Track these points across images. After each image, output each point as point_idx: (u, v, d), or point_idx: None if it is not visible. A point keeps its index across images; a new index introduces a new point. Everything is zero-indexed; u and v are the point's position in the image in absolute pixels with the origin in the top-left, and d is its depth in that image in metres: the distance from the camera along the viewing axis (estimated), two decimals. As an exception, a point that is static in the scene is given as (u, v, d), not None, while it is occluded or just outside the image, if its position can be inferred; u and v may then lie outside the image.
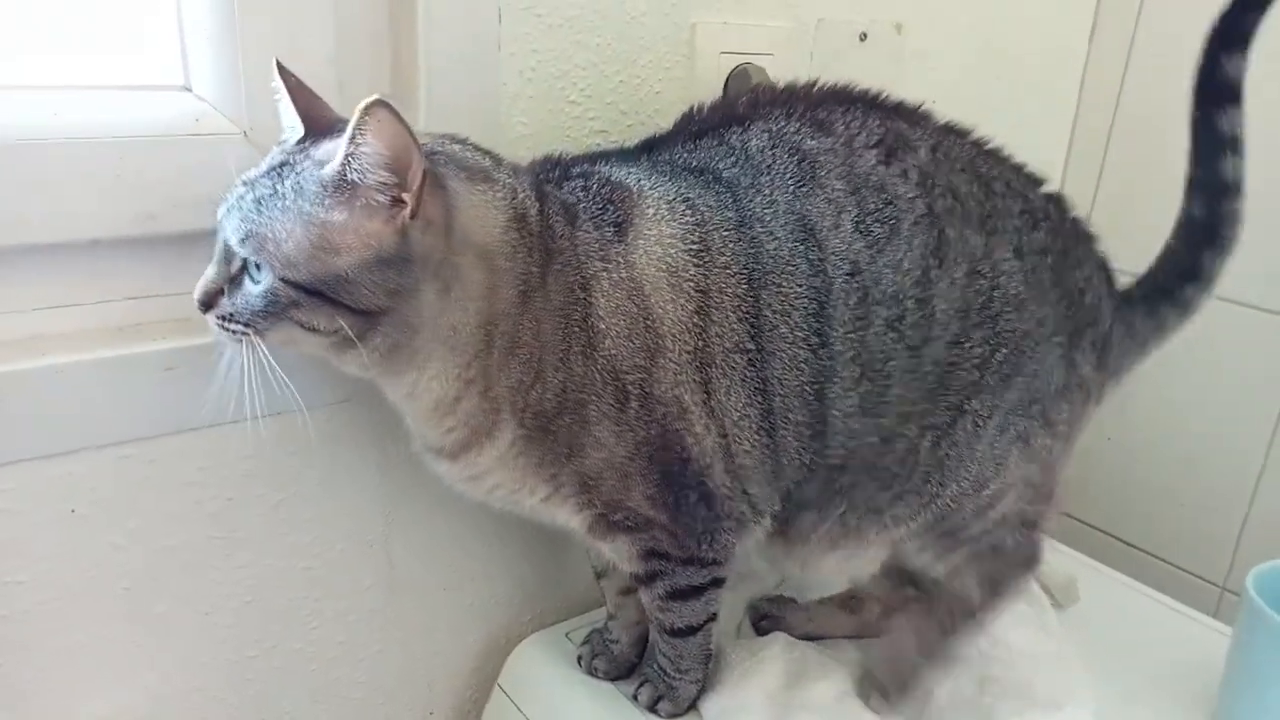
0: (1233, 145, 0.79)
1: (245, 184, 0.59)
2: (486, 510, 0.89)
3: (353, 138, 0.55)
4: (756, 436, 0.69)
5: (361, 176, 0.56)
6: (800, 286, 0.67)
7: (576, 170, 0.70)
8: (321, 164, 0.58)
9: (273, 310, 0.58)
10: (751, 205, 0.68)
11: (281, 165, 0.59)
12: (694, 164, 0.69)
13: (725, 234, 0.67)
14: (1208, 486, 1.17)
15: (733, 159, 0.69)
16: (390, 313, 0.59)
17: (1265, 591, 0.77)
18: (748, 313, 0.67)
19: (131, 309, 0.71)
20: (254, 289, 0.58)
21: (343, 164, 0.56)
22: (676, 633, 0.77)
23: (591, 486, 0.69)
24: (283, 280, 0.57)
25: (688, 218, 0.67)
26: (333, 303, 0.57)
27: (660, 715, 0.80)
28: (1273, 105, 1.07)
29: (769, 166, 0.68)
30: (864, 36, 0.99)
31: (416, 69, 0.74)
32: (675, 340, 0.66)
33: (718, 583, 0.76)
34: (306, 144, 0.61)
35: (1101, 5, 1.19)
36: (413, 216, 0.57)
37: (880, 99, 0.73)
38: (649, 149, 0.72)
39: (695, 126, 0.72)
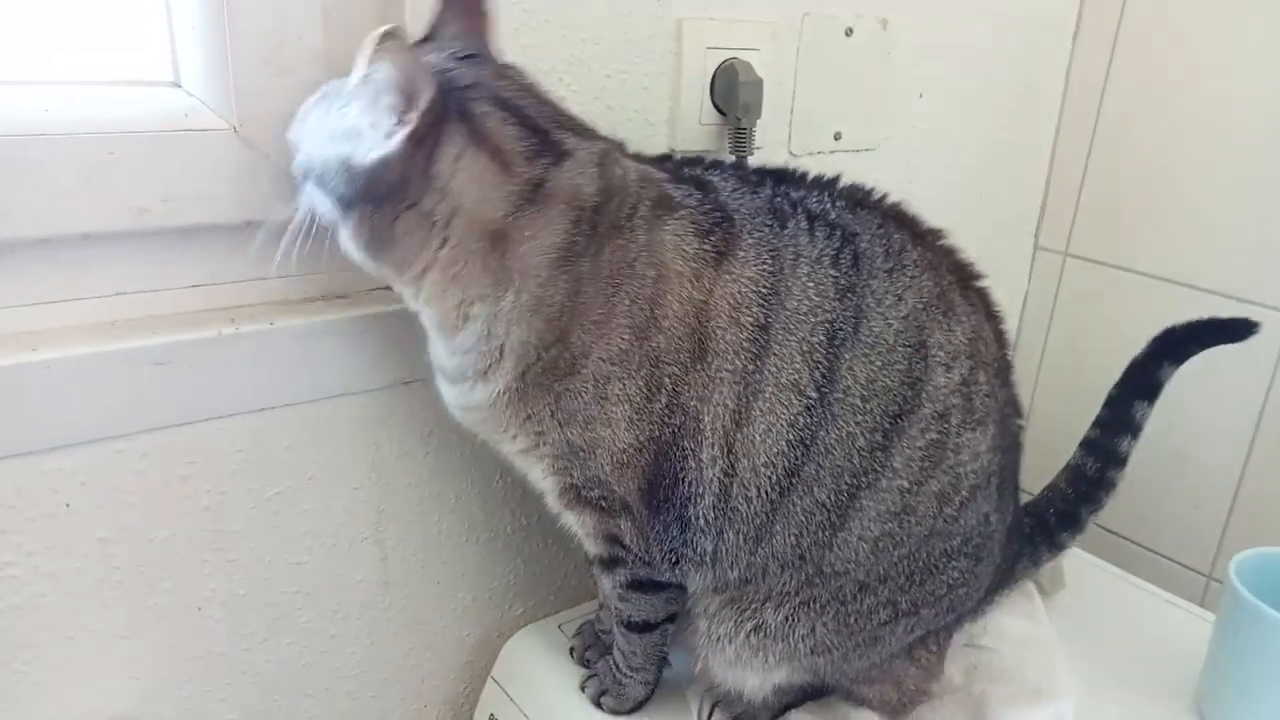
0: (1135, 432, 0.89)
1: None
2: (479, 504, 0.90)
3: (370, 58, 0.58)
4: (768, 490, 0.67)
5: (374, 94, 0.59)
6: (892, 380, 0.67)
7: (689, 173, 0.70)
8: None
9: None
10: (874, 283, 0.67)
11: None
12: (831, 218, 0.69)
13: (810, 285, 0.66)
14: (1193, 477, 1.18)
15: (883, 244, 0.69)
16: (353, 213, 0.63)
17: (1248, 577, 0.78)
18: (818, 361, 0.66)
19: (122, 304, 0.71)
20: None
21: (361, 77, 0.59)
22: (633, 626, 0.77)
23: (575, 457, 0.68)
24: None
25: (767, 264, 0.66)
26: (322, 184, 0.63)
27: (604, 710, 0.81)
28: (1259, 101, 1.08)
29: (913, 277, 0.68)
30: (850, 31, 1.00)
31: (405, 64, 0.75)
32: (719, 358, 0.65)
33: (681, 587, 0.75)
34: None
35: (1085, 4, 1.20)
36: (413, 142, 0.59)
37: (1005, 338, 0.76)
38: (780, 179, 0.71)
39: (865, 197, 0.72)
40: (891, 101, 1.07)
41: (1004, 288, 1.28)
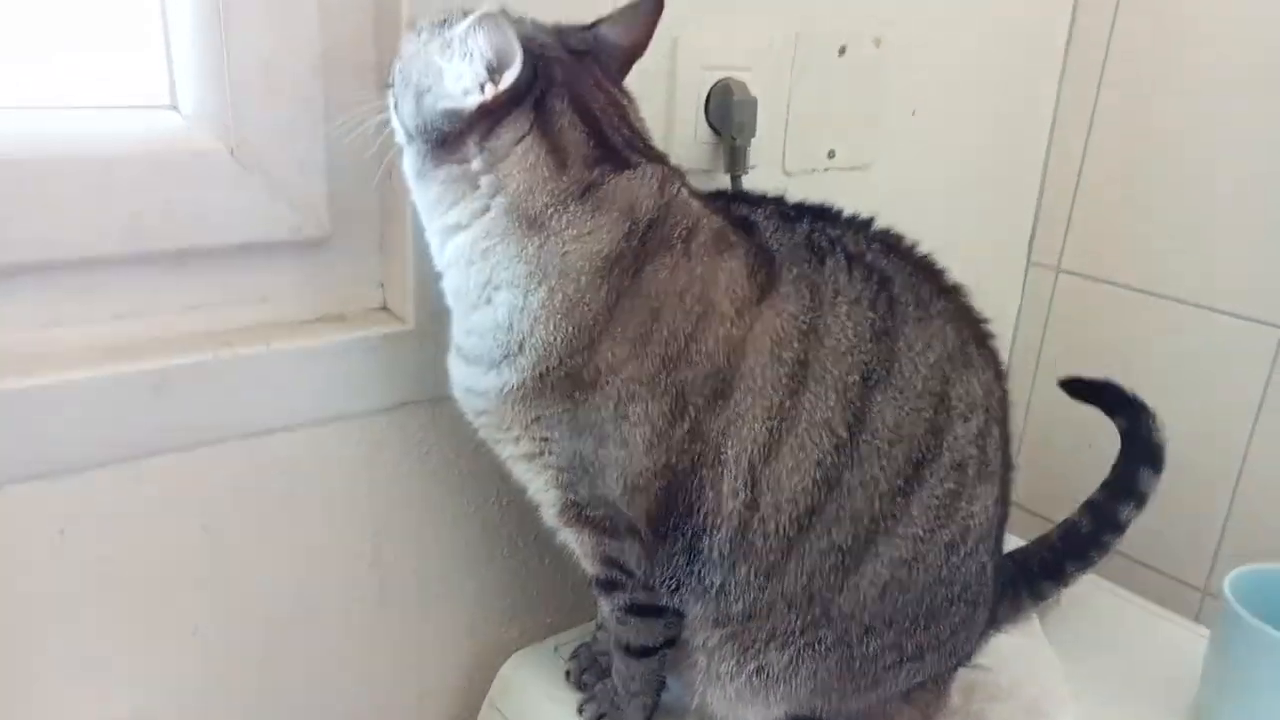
0: (1139, 501, 0.88)
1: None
2: (477, 525, 0.90)
3: (473, 23, 0.60)
4: (787, 527, 0.66)
5: (467, 53, 0.61)
6: (917, 427, 0.67)
7: (736, 213, 0.70)
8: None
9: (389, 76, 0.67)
10: (906, 329, 0.67)
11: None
12: (867, 260, 0.69)
13: (849, 324, 0.66)
14: (1187, 492, 1.18)
15: (914, 292, 0.69)
16: (413, 144, 0.66)
17: (1242, 594, 0.79)
18: (851, 401, 0.65)
19: (118, 328, 0.71)
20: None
21: (464, 31, 0.61)
22: (631, 651, 0.76)
23: (584, 472, 0.67)
24: (394, 64, 0.66)
25: (807, 300, 0.66)
26: (394, 97, 0.66)
27: None
28: (1250, 117, 1.09)
29: (940, 326, 0.69)
30: (843, 50, 1.00)
31: (401, 86, 0.75)
32: (751, 393, 0.65)
33: (680, 612, 0.73)
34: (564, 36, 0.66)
35: (1077, 19, 1.21)
36: (482, 111, 0.62)
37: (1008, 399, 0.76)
38: (817, 215, 0.71)
39: (897, 243, 0.72)
40: (885, 119, 1.07)
41: (997, 302, 1.30)
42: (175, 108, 0.72)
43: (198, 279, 0.74)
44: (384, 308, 0.83)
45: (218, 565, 0.77)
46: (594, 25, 0.69)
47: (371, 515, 0.84)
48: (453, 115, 0.62)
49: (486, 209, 0.64)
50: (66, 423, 0.67)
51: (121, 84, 0.71)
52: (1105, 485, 0.90)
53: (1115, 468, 0.89)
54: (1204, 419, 1.16)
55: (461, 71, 0.61)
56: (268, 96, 0.71)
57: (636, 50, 0.70)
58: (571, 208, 0.63)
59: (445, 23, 0.63)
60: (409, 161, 0.67)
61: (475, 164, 0.63)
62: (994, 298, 1.27)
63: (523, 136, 0.63)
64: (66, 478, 0.68)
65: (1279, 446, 1.11)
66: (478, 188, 0.64)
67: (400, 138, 0.67)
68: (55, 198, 0.66)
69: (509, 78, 0.60)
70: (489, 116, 0.62)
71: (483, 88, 0.61)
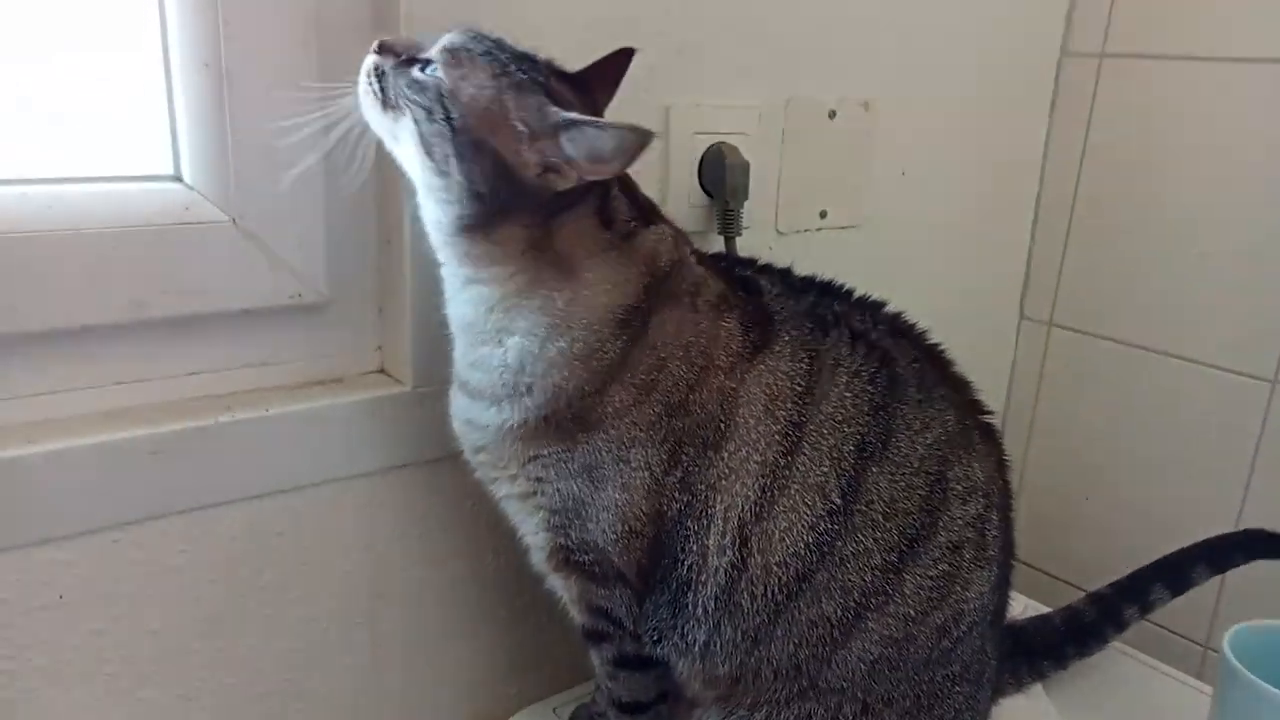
0: (1145, 609, 0.92)
1: (496, 41, 0.64)
2: (473, 586, 0.90)
3: (620, 136, 0.60)
4: (776, 591, 0.66)
5: (595, 142, 0.61)
6: (912, 504, 0.67)
7: (739, 274, 0.72)
8: (549, 91, 0.63)
9: (412, 99, 0.62)
10: (905, 408, 0.68)
11: (529, 59, 0.64)
12: (872, 339, 0.70)
13: (847, 395, 0.67)
14: (1185, 545, 1.18)
15: (916, 376, 0.70)
16: (472, 204, 0.63)
17: (1242, 651, 0.78)
18: (845, 470, 0.66)
19: (120, 393, 0.72)
20: (418, 75, 0.63)
21: (580, 118, 0.61)
22: (625, 708, 0.76)
23: (575, 515, 0.68)
24: (441, 101, 0.62)
25: (804, 364, 0.68)
26: (454, 148, 0.62)
27: None
28: (1236, 172, 1.11)
29: (940, 410, 0.70)
30: (833, 114, 1.02)
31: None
32: (746, 446, 0.66)
33: (668, 664, 0.73)
34: (558, 77, 0.66)
35: (1061, 80, 1.24)
36: (553, 179, 0.62)
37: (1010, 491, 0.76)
38: (824, 291, 0.73)
39: (907, 329, 0.73)
40: (875, 180, 1.09)
41: (991, 357, 1.31)
42: (179, 178, 0.73)
43: (197, 344, 0.75)
44: (381, 370, 0.84)
45: (212, 631, 0.77)
46: (583, 75, 0.69)
47: (368, 577, 0.84)
48: (539, 189, 0.63)
49: (524, 269, 0.65)
50: (66, 488, 0.67)
51: (127, 156, 0.72)
52: (1116, 585, 0.92)
53: (1135, 575, 0.91)
54: (1198, 472, 1.17)
55: (556, 151, 0.61)
56: (270, 167, 0.73)
57: (609, 100, 0.73)
58: (610, 258, 0.65)
59: (511, 68, 0.62)
60: (452, 216, 0.64)
61: (537, 232, 0.64)
62: (987, 352, 1.30)
63: (584, 204, 0.65)
64: (66, 543, 0.68)
65: (1274, 499, 1.11)
66: (524, 252, 0.64)
67: (448, 192, 0.63)
68: (61, 269, 0.67)
69: (607, 171, 0.63)
70: (570, 192, 0.63)
71: (581, 170, 0.62)
